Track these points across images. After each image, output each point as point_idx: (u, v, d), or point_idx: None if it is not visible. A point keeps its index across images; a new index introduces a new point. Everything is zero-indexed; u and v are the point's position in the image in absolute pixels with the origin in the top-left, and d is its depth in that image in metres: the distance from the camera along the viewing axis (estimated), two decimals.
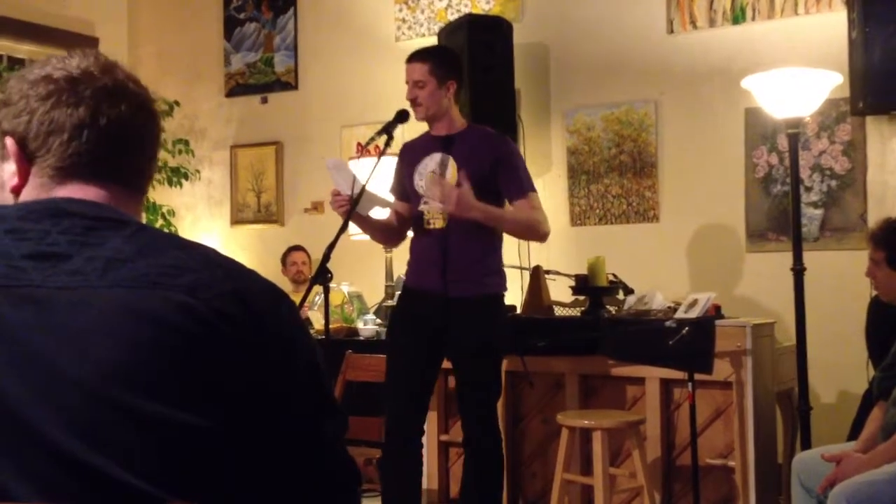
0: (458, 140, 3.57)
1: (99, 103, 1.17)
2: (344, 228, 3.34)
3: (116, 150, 1.18)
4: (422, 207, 3.57)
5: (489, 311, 3.56)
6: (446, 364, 3.67)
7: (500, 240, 3.66)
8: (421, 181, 3.58)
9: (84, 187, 1.16)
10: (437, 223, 3.54)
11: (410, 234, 3.75)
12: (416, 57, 3.60)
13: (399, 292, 3.86)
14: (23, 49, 6.05)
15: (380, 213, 3.78)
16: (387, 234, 3.88)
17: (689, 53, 5.01)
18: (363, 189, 3.38)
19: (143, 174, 1.24)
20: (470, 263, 3.50)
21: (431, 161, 3.58)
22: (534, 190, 3.62)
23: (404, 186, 3.69)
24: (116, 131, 1.18)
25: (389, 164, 3.85)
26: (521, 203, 3.57)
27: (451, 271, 3.48)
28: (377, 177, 3.54)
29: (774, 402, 4.06)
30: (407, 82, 3.59)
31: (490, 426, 3.55)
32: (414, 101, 3.56)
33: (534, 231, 3.66)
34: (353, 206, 3.38)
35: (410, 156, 3.67)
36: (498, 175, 3.53)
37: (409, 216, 3.70)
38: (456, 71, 3.61)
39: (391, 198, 3.78)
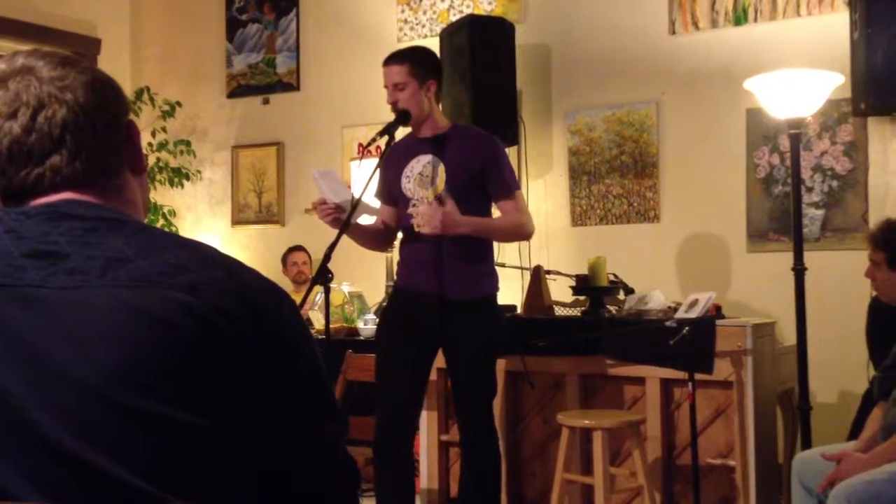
0: (445, 140, 3.52)
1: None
2: (342, 232, 3.31)
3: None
4: (410, 211, 3.51)
5: (486, 312, 3.54)
6: (446, 364, 3.67)
7: (492, 240, 3.66)
8: (409, 184, 3.54)
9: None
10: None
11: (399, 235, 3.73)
12: (394, 59, 3.51)
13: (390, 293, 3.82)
14: (25, 51, 6.05)
15: (367, 220, 3.73)
16: (375, 241, 3.79)
17: (691, 54, 5.02)
18: (359, 200, 3.31)
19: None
20: (465, 264, 3.48)
21: (418, 164, 3.53)
22: (518, 188, 3.60)
23: (391, 190, 3.63)
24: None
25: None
26: (505, 204, 3.54)
27: (447, 273, 3.46)
28: (378, 179, 3.53)
29: (775, 401, 4.06)
30: (386, 86, 3.51)
31: (487, 426, 3.54)
32: (394, 106, 3.48)
33: (519, 234, 3.67)
34: (349, 217, 3.32)
35: (396, 158, 3.59)
36: (486, 175, 3.51)
37: (394, 223, 3.66)
38: (435, 70, 3.55)
39: (377, 203, 3.74)
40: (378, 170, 3.50)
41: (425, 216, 3.38)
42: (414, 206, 3.51)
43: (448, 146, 3.52)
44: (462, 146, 3.52)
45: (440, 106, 3.63)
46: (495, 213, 3.66)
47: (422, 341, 3.53)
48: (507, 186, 3.53)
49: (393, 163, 3.60)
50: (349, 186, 3.78)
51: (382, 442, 3.54)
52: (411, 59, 3.50)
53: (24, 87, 1.13)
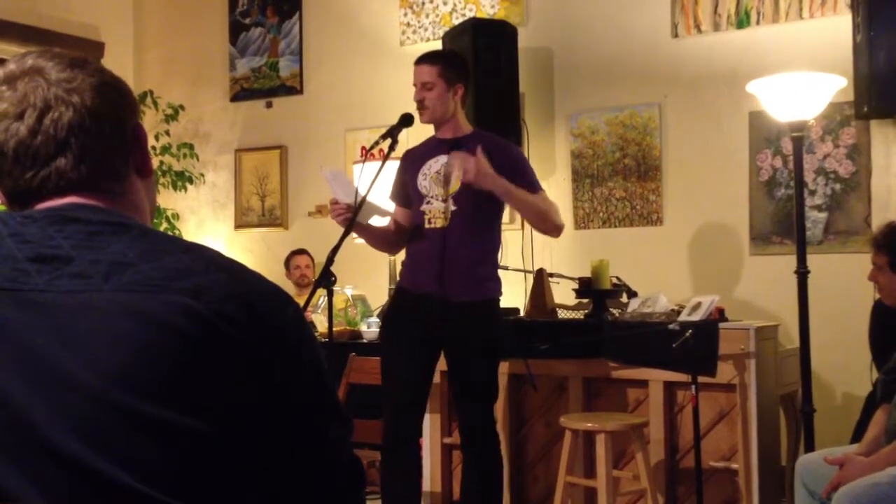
0: (465, 144, 3.56)
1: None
2: (347, 233, 3.35)
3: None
4: (423, 207, 3.57)
5: (487, 315, 3.55)
6: (447, 366, 3.67)
7: (498, 244, 3.67)
8: (425, 181, 3.58)
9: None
10: (438, 222, 3.53)
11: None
12: (426, 59, 3.59)
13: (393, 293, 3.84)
14: (36, 51, 6.06)
15: (379, 221, 3.77)
16: (385, 242, 3.85)
17: (694, 57, 5.02)
18: (364, 199, 3.37)
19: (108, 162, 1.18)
20: (469, 267, 3.50)
21: (437, 163, 3.58)
22: (543, 191, 3.64)
23: (406, 191, 3.67)
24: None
25: (394, 168, 3.85)
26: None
27: (449, 274, 3.48)
28: (381, 181, 3.54)
29: (778, 404, 4.05)
30: (414, 84, 3.58)
31: (488, 429, 3.54)
32: (420, 103, 3.55)
33: (549, 219, 3.61)
34: (354, 216, 3.37)
35: (414, 160, 3.67)
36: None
37: (408, 225, 3.68)
38: (464, 75, 3.62)
39: (391, 206, 3.77)
40: (383, 170, 3.51)
41: (461, 160, 3.38)
42: (428, 203, 3.55)
43: (468, 149, 3.54)
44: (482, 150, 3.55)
45: (465, 111, 3.68)
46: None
47: (425, 343, 3.54)
48: (532, 186, 3.56)
49: (412, 162, 3.66)
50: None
51: (390, 444, 3.55)
52: (443, 62, 3.57)
53: (32, 89, 1.13)
